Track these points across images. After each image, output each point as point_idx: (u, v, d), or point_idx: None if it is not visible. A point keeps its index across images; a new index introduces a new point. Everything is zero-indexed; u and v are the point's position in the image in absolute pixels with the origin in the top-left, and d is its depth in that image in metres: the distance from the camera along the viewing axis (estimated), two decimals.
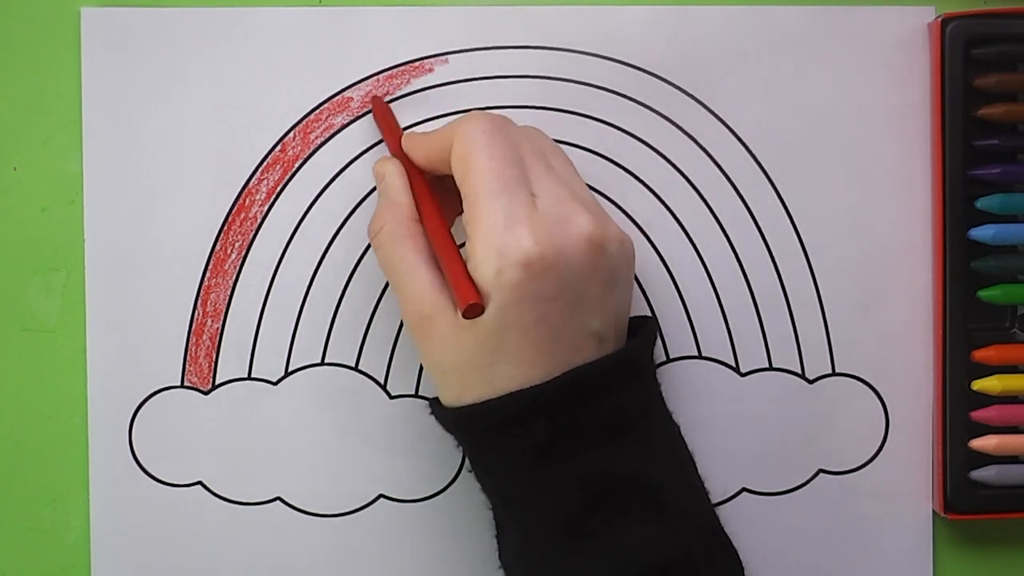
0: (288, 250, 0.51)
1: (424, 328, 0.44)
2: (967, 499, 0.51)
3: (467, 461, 0.46)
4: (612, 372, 0.43)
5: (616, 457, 0.43)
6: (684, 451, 0.46)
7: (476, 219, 0.43)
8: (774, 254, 0.52)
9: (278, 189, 0.51)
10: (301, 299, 0.51)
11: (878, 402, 0.52)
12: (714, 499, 0.48)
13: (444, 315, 0.44)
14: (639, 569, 0.42)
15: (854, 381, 0.52)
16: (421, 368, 0.51)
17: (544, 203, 0.43)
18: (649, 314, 0.51)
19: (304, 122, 0.51)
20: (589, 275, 0.43)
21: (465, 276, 0.43)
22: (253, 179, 0.51)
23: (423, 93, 0.51)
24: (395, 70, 0.51)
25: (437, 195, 0.46)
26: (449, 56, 0.51)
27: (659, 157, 0.52)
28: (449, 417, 0.45)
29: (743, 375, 0.52)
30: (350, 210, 0.51)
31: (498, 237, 0.42)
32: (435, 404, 0.46)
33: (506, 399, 0.43)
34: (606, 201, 0.51)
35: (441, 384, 0.45)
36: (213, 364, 0.51)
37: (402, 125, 0.51)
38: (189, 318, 0.51)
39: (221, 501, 0.51)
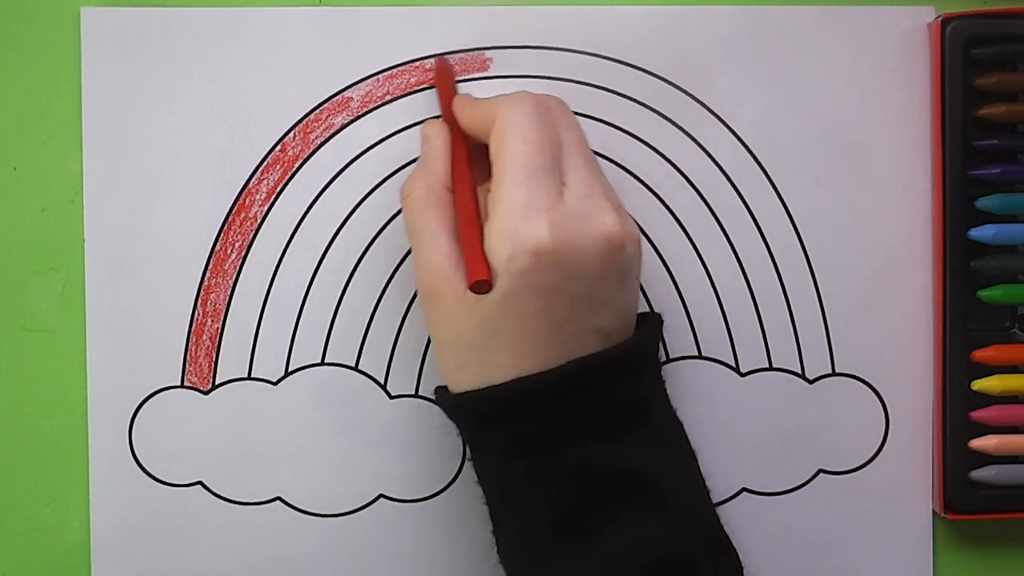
0: (288, 250, 0.51)
1: (432, 299, 0.44)
2: (967, 499, 0.51)
3: (467, 457, 0.46)
4: (614, 365, 0.43)
5: (616, 451, 0.43)
6: (687, 448, 0.46)
7: (498, 201, 0.43)
8: (774, 254, 0.52)
9: (278, 189, 0.51)
10: (301, 299, 0.51)
11: (878, 402, 0.52)
12: (714, 499, 0.47)
13: (453, 290, 0.44)
14: (638, 566, 0.42)
15: (854, 381, 0.52)
16: (421, 368, 0.51)
17: (572, 195, 0.43)
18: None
19: (304, 122, 0.51)
20: (602, 274, 0.43)
21: (479, 251, 0.43)
22: (253, 179, 0.51)
23: (423, 93, 0.51)
24: (395, 70, 0.51)
25: (477, 163, 0.47)
26: (449, 56, 0.51)
27: (659, 157, 0.52)
28: (450, 402, 0.45)
29: (743, 375, 0.52)
30: (350, 210, 0.51)
31: (515, 223, 0.42)
32: (440, 391, 0.47)
33: (505, 387, 0.43)
34: None
35: (439, 360, 0.45)
36: (213, 364, 0.51)
37: (403, 124, 0.51)
38: (189, 318, 0.51)
39: (221, 501, 0.51)
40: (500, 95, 0.46)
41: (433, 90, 0.51)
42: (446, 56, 0.51)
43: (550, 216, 0.42)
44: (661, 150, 0.52)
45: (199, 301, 0.51)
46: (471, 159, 0.47)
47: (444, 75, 0.50)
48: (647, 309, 0.52)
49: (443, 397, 0.46)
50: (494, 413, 0.43)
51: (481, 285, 0.42)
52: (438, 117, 0.50)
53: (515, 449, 0.43)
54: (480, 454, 0.45)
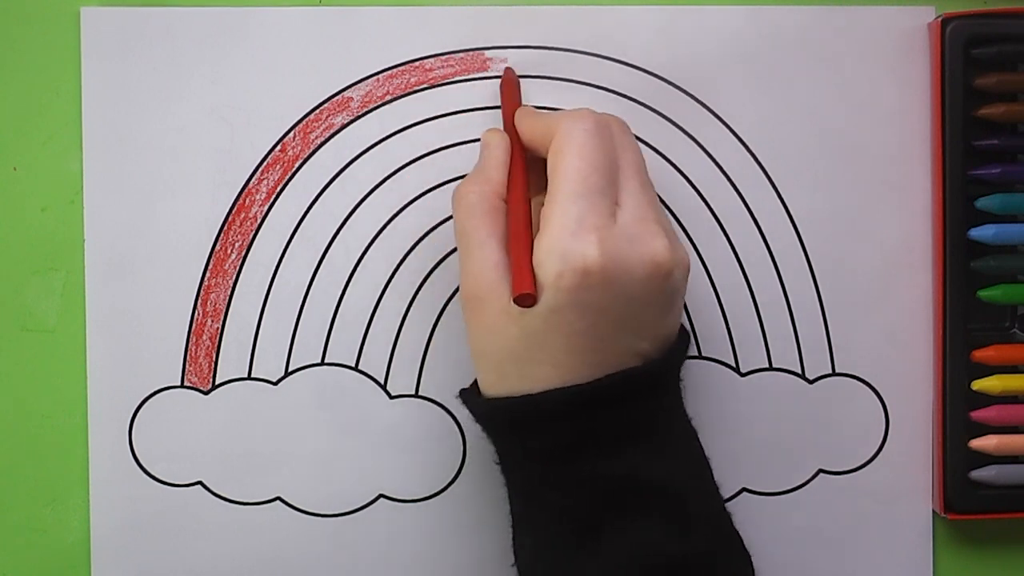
0: (288, 250, 0.51)
1: (474, 307, 0.44)
2: (967, 499, 0.51)
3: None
4: (650, 381, 0.44)
5: (639, 461, 0.43)
6: (702, 455, 0.46)
7: (550, 216, 0.43)
8: (774, 254, 0.52)
9: (278, 189, 0.51)
10: (301, 299, 0.51)
11: (878, 402, 0.52)
12: None
13: (497, 300, 0.43)
14: (659, 570, 0.42)
15: (854, 381, 0.52)
16: (421, 368, 0.51)
17: (625, 216, 0.43)
18: None
19: (304, 122, 0.51)
20: (649, 299, 0.43)
21: (527, 264, 0.43)
22: (253, 179, 0.51)
23: (423, 93, 0.51)
24: (395, 70, 0.51)
25: (534, 176, 0.47)
26: (450, 56, 0.51)
27: (659, 157, 0.52)
28: (483, 408, 0.45)
29: (743, 375, 0.52)
30: (350, 210, 0.51)
31: (565, 240, 0.42)
32: (467, 394, 0.46)
33: (544, 396, 0.43)
34: None
35: (478, 368, 0.45)
36: (213, 364, 0.51)
37: (403, 124, 0.51)
38: (189, 318, 0.51)
39: (221, 501, 0.51)
40: (563, 111, 0.46)
41: (441, 88, 0.51)
42: (511, 68, 0.51)
43: (600, 236, 0.42)
44: (661, 150, 0.52)
45: (199, 301, 0.51)
46: (528, 172, 0.47)
47: (510, 86, 0.50)
48: None
49: (475, 401, 0.46)
50: (528, 421, 0.43)
51: (525, 299, 0.42)
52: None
53: (543, 456, 0.43)
54: (507, 459, 0.45)
